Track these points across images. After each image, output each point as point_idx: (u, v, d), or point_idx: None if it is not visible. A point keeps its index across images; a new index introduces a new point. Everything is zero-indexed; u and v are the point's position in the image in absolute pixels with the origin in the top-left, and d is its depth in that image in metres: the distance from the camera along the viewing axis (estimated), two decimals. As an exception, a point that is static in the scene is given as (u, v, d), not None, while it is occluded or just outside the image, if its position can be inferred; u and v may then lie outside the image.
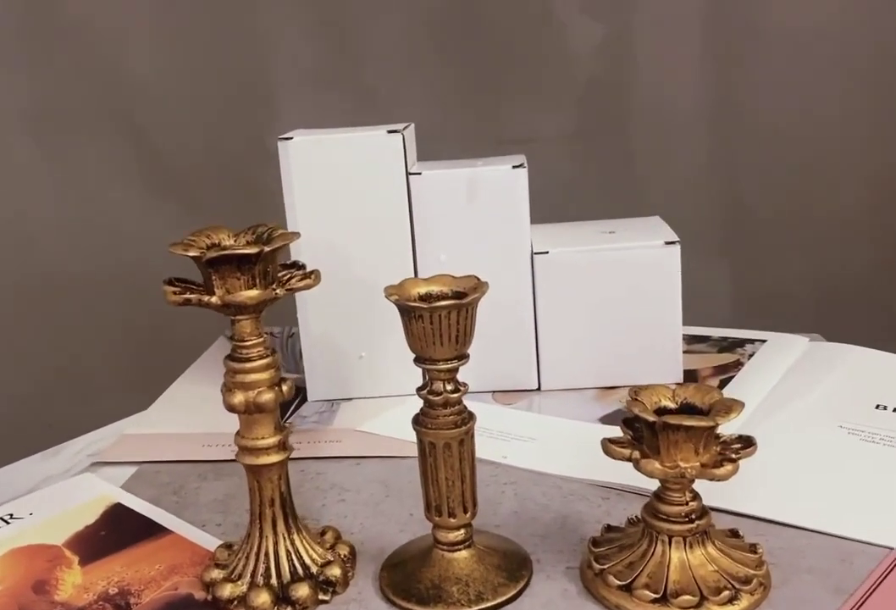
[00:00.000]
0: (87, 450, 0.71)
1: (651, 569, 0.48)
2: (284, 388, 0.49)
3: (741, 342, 0.83)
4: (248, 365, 0.48)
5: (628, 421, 0.51)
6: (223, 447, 0.68)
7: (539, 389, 0.76)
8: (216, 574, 0.51)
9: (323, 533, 0.54)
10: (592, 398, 0.74)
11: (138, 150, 1.14)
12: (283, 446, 0.50)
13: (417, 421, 0.49)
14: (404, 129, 0.72)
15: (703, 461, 0.47)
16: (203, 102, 1.13)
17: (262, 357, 0.48)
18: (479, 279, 0.48)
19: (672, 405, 0.50)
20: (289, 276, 0.49)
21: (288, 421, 0.74)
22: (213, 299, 0.46)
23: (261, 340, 0.48)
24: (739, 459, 0.47)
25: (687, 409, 0.49)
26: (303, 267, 0.50)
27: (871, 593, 0.48)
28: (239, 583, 0.50)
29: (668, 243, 0.73)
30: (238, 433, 0.50)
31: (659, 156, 1.17)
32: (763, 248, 1.17)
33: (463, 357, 0.47)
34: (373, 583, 0.51)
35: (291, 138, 0.71)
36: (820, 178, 1.14)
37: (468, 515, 0.50)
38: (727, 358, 0.80)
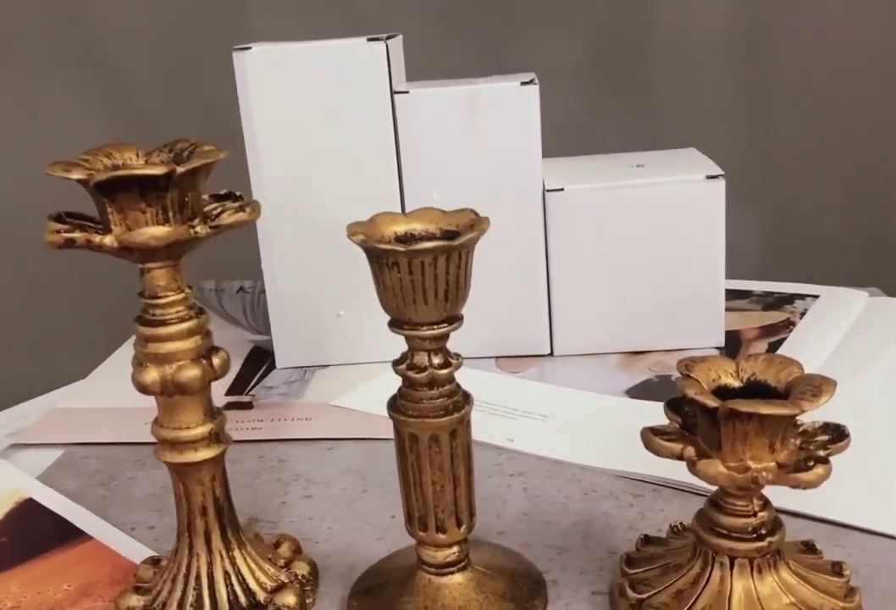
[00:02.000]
0: (9, 427, 0.59)
1: (706, 602, 0.36)
2: (215, 361, 0.37)
3: (790, 298, 0.71)
4: (164, 331, 0.35)
5: (675, 403, 0.38)
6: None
7: (552, 354, 0.64)
8: (134, 602, 0.39)
9: (277, 544, 0.42)
10: (616, 366, 0.62)
11: (103, 82, 1.01)
12: (215, 438, 0.37)
13: (394, 406, 0.36)
14: (388, 38, 0.59)
15: (780, 460, 0.34)
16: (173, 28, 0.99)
17: (182, 320, 0.35)
18: (476, 214, 0.35)
19: (735, 383, 0.37)
20: (219, 209, 0.36)
21: (250, 393, 0.62)
22: (107, 240, 0.33)
23: (180, 296, 0.35)
24: (829, 455, 0.35)
25: (755, 388, 0.37)
26: (239, 198, 0.37)
27: None
28: (161, 616, 0.38)
29: (710, 177, 0.60)
30: (156, 421, 0.37)
31: (681, 87, 1.03)
32: (800, 188, 1.03)
33: (454, 320, 0.35)
34: (339, 612, 0.39)
35: (249, 48, 0.58)
36: (862, 108, 1.00)
37: (462, 529, 0.37)
38: (775, 317, 0.68)
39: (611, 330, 0.63)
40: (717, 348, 0.63)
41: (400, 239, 0.35)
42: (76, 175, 0.32)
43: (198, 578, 0.38)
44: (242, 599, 0.38)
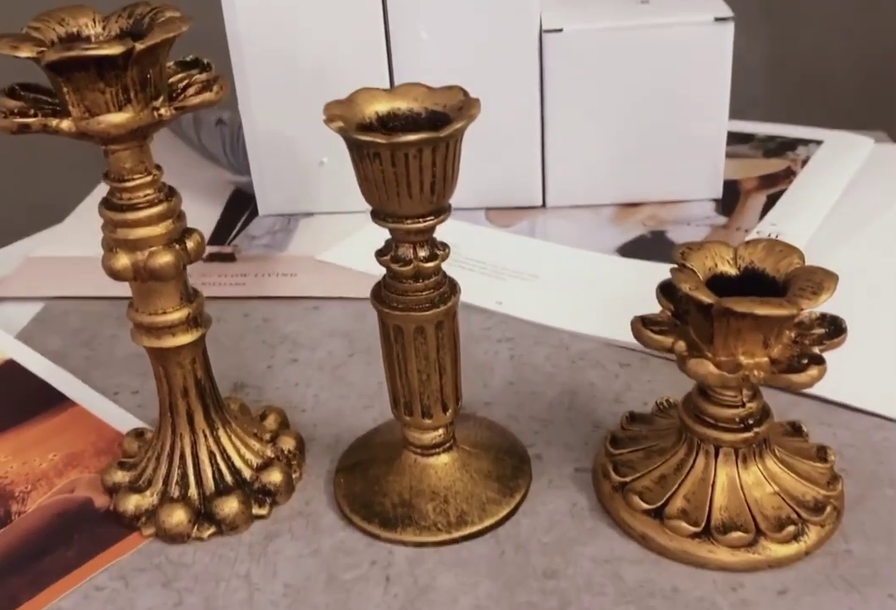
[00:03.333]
0: (-15, 279, 0.58)
1: (689, 488, 0.36)
2: (189, 244, 0.35)
3: (792, 144, 0.68)
4: (133, 216, 0.33)
5: (668, 287, 0.37)
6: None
7: (544, 205, 0.62)
8: (119, 477, 0.39)
9: (263, 416, 0.42)
10: (608, 220, 0.60)
11: None
12: (194, 322, 0.36)
13: (378, 296, 0.35)
14: None
15: (773, 356, 0.34)
16: None
17: (152, 204, 0.33)
18: (465, 94, 0.32)
19: (733, 271, 0.36)
20: (185, 81, 0.33)
21: (233, 242, 0.60)
22: (64, 124, 0.30)
23: (149, 178, 0.33)
24: (825, 351, 0.34)
25: (753, 277, 0.35)
26: (207, 68, 0.34)
27: (978, 523, 0.36)
28: (147, 493, 0.38)
29: (719, 19, 0.56)
30: (131, 304, 0.36)
31: None
32: (806, 24, 0.97)
33: (441, 212, 0.33)
34: (325, 488, 0.40)
35: None
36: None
37: (448, 413, 0.37)
38: (776, 165, 0.65)
39: (605, 179, 0.61)
40: (714, 200, 0.61)
41: (382, 120, 0.33)
42: (25, 53, 0.29)
43: (182, 457, 0.38)
44: (228, 477, 0.38)
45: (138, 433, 0.42)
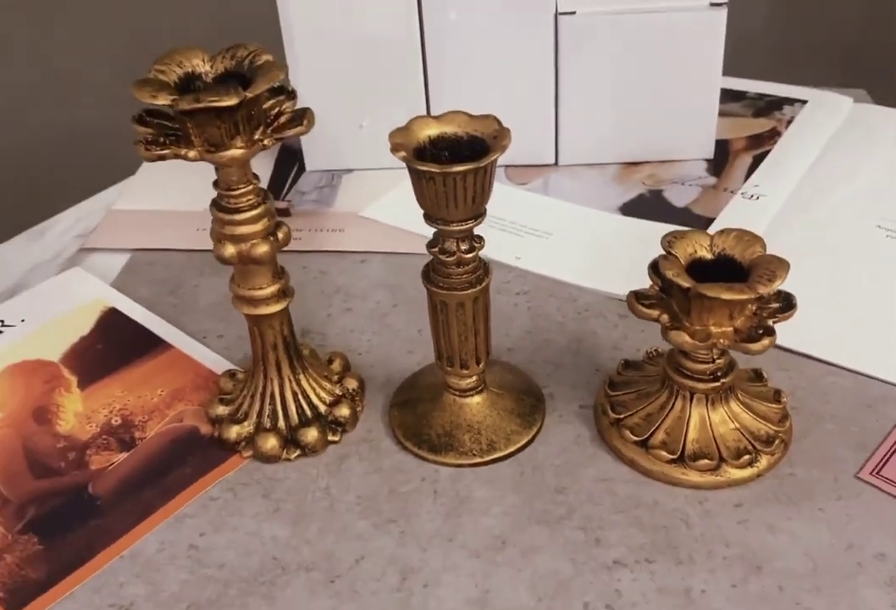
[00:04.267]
0: (74, 229, 0.68)
1: (669, 424, 0.47)
2: (280, 235, 0.44)
3: (779, 103, 0.76)
4: (239, 216, 0.42)
5: (656, 266, 0.46)
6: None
7: (556, 164, 0.70)
8: (221, 410, 0.49)
9: (330, 361, 0.52)
10: (612, 178, 0.69)
11: None
12: (282, 295, 0.46)
13: (428, 277, 0.44)
14: None
15: (737, 326, 0.43)
16: None
17: (253, 207, 0.43)
18: (499, 123, 0.41)
19: (708, 255, 0.45)
20: (276, 110, 0.42)
21: (286, 198, 0.69)
22: (192, 154, 0.39)
23: (250, 187, 0.42)
24: (776, 323, 0.44)
25: (725, 261, 0.45)
26: (293, 95, 0.42)
27: (893, 451, 0.47)
28: (245, 424, 0.48)
29: (713, 5, 0.63)
30: (233, 280, 0.46)
31: None
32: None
33: (479, 216, 0.42)
34: (382, 419, 0.50)
35: None
36: None
37: (480, 365, 0.47)
38: (763, 125, 0.73)
39: (611, 141, 0.69)
40: (706, 160, 0.70)
41: (433, 142, 0.41)
42: (162, 101, 0.38)
43: (272, 396, 0.48)
44: (308, 411, 0.49)
45: (231, 374, 0.52)
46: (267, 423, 0.48)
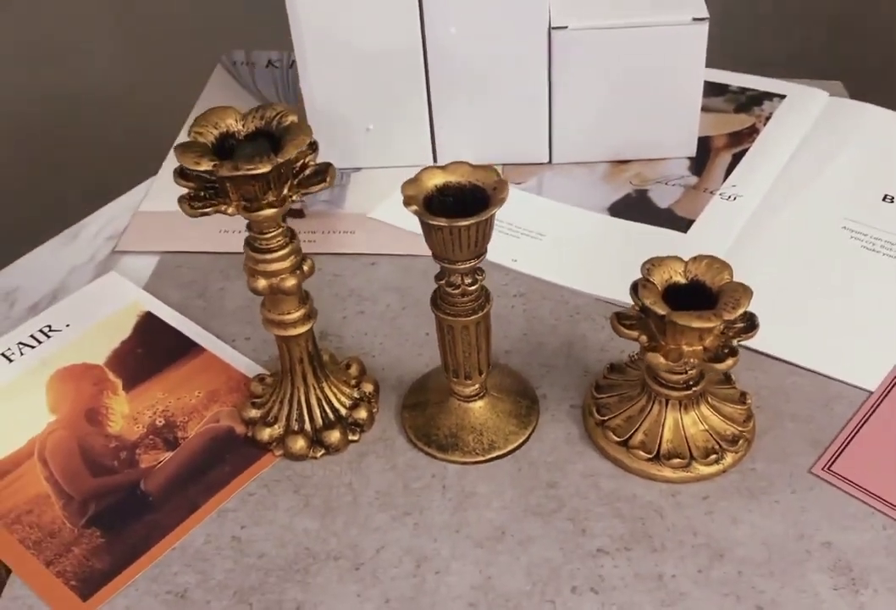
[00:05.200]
0: (105, 231, 0.73)
1: (647, 426, 0.53)
2: (305, 268, 0.50)
3: (759, 98, 0.81)
4: (270, 256, 0.48)
5: (637, 290, 0.52)
6: (238, 234, 0.68)
7: (550, 162, 0.76)
8: (254, 413, 0.56)
9: (348, 366, 0.58)
10: (602, 177, 0.74)
11: None
12: (307, 318, 0.52)
13: (436, 304, 0.50)
14: None
15: (706, 345, 0.49)
16: None
17: (282, 247, 0.48)
18: (499, 175, 0.47)
19: (683, 280, 0.51)
20: (301, 162, 0.47)
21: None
22: (230, 210, 0.45)
23: (279, 230, 0.48)
24: (740, 341, 0.50)
25: (697, 286, 0.51)
26: (315, 147, 0.48)
27: (843, 449, 0.53)
28: (276, 426, 0.55)
29: (696, 19, 0.68)
30: (263, 305, 0.52)
31: None
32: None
33: (480, 255, 0.48)
34: (395, 419, 0.57)
35: None
36: None
37: (482, 376, 0.54)
38: (743, 121, 0.79)
39: (601, 140, 0.75)
40: (689, 158, 0.75)
41: (440, 190, 0.47)
42: (204, 167, 0.44)
43: (299, 402, 0.55)
44: (330, 415, 0.55)
45: (260, 378, 0.58)
46: (295, 425, 0.55)
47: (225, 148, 0.46)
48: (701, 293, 0.50)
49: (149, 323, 0.64)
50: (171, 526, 0.52)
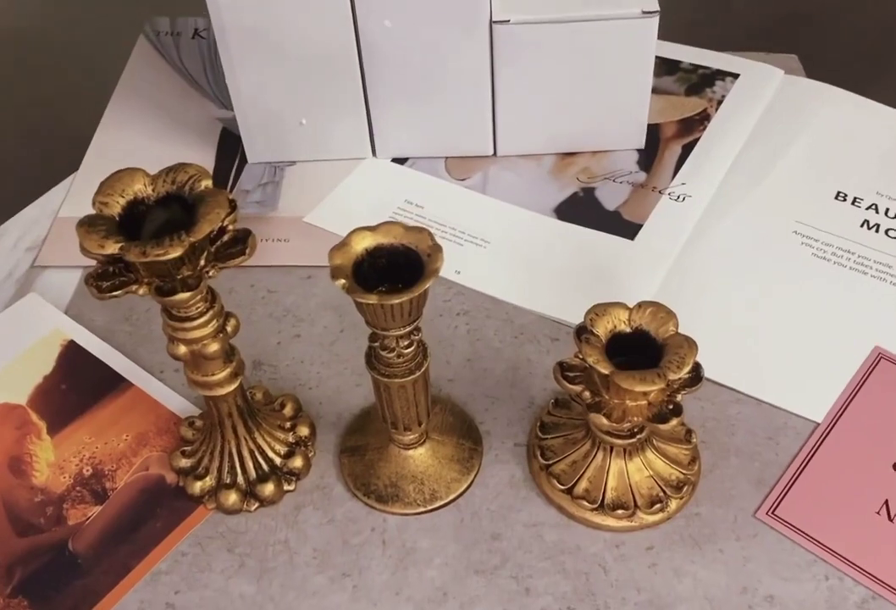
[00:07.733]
0: (24, 241, 0.69)
1: (592, 473, 0.52)
2: (229, 329, 0.47)
3: (711, 78, 0.77)
4: (189, 324, 0.45)
5: (582, 331, 0.50)
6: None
7: (495, 154, 0.72)
8: (184, 463, 0.54)
9: (282, 405, 0.56)
10: (549, 172, 0.71)
11: None
12: (234, 376, 0.49)
13: (370, 364, 0.48)
14: None
15: (650, 399, 0.48)
16: None
17: (202, 313, 0.45)
18: (432, 240, 0.44)
19: (627, 329, 0.49)
20: (219, 225, 0.44)
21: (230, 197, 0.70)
22: (141, 291, 0.42)
23: (199, 295, 0.45)
24: (687, 394, 0.48)
25: (641, 335, 0.49)
26: (233, 206, 0.44)
27: (787, 491, 0.52)
28: (207, 479, 0.53)
29: (645, 13, 0.64)
30: (186, 365, 0.49)
31: None
32: None
33: (413, 322, 0.45)
34: (333, 461, 0.55)
35: None
36: None
37: (421, 425, 0.52)
38: (694, 106, 0.75)
39: (546, 132, 0.71)
40: (637, 150, 0.72)
41: (370, 253, 0.44)
42: (110, 250, 0.40)
43: (230, 454, 0.53)
44: (264, 466, 0.53)
45: (190, 422, 0.56)
46: (227, 478, 0.53)
47: (135, 215, 0.43)
48: (646, 343, 0.48)
49: (72, 353, 0.61)
50: (102, 592, 0.50)
